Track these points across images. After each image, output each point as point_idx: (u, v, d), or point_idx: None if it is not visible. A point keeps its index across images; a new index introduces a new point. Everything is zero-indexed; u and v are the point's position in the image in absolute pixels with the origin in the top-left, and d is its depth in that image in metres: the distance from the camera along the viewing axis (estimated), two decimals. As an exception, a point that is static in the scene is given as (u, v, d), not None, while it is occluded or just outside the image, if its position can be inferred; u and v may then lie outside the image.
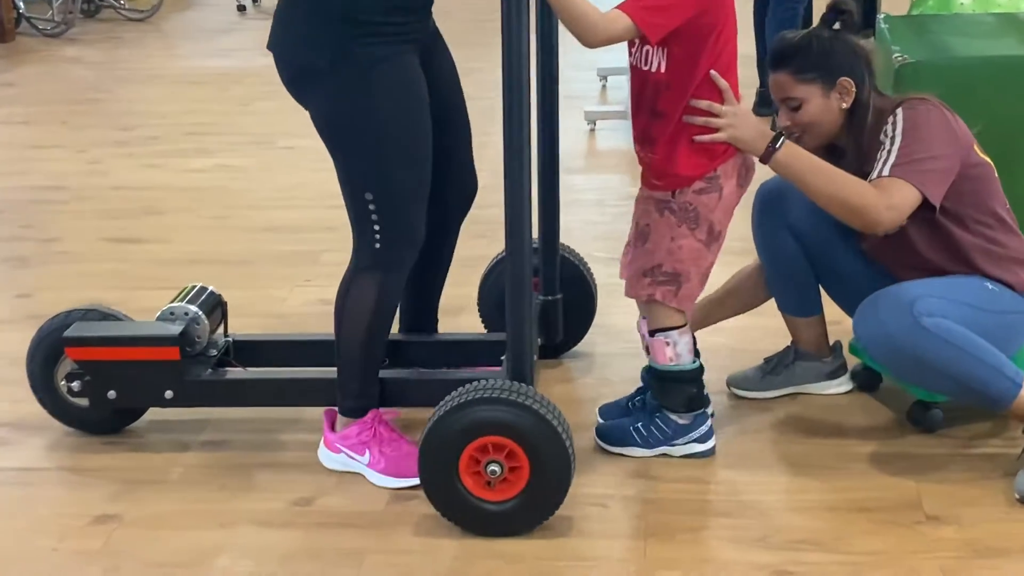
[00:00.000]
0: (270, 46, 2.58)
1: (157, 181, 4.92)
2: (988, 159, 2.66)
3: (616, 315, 3.23)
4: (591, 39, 2.40)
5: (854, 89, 2.59)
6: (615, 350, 3.18)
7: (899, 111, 2.57)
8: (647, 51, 2.50)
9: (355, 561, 2.41)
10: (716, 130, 2.52)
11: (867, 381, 2.99)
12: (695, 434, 2.70)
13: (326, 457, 2.72)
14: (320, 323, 3.05)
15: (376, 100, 2.46)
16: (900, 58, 3.68)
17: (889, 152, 2.53)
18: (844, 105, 2.60)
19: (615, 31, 2.40)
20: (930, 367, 2.51)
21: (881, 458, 2.71)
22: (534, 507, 2.44)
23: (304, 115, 2.59)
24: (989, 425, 2.81)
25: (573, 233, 3.97)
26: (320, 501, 2.62)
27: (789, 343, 3.00)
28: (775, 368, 2.97)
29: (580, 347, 3.23)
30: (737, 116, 2.53)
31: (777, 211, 2.85)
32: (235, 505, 2.62)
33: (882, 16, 4.28)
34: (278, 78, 2.58)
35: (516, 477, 2.40)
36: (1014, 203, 2.75)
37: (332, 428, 2.72)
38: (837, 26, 2.63)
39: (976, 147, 2.64)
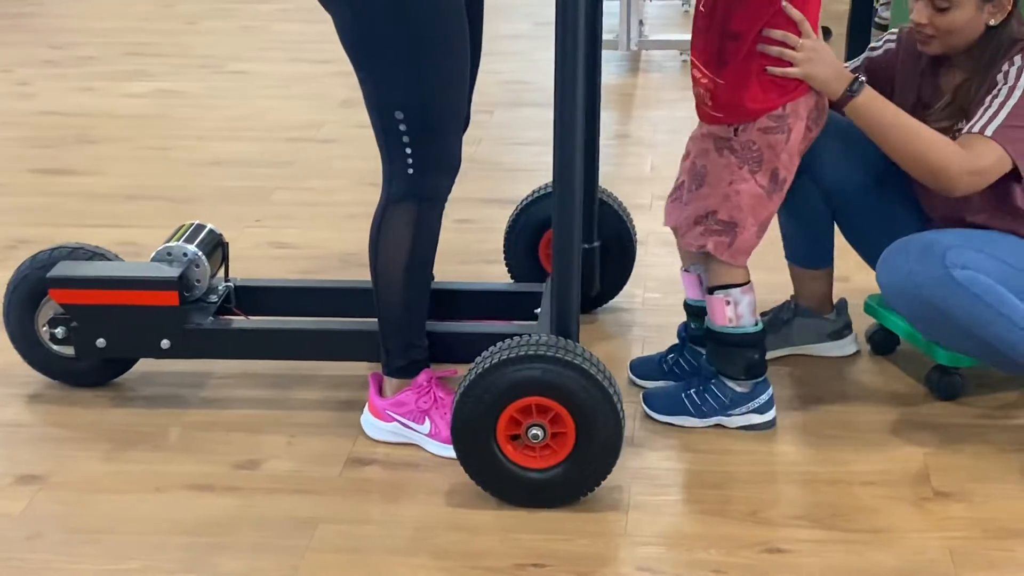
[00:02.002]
0: None
1: (91, 106, 4.88)
2: None
3: (656, 266, 3.20)
4: None
5: (1010, 6, 2.56)
6: (655, 304, 3.15)
7: None
8: None
9: (306, 531, 2.41)
10: (789, 64, 2.50)
11: (883, 344, 3.00)
12: (755, 403, 2.70)
13: (373, 426, 2.68)
14: (271, 268, 3.04)
15: (409, 7, 2.41)
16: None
17: (999, 108, 2.52)
18: (992, 22, 2.57)
19: None
20: (956, 323, 2.52)
21: (889, 427, 2.72)
22: (580, 476, 2.43)
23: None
24: (1014, 395, 2.83)
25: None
26: (268, 464, 2.62)
27: (788, 297, 3.01)
28: (771, 324, 2.96)
29: (617, 300, 3.22)
30: (816, 51, 2.50)
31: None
32: (173, 467, 2.61)
33: (902, -60, 4.25)
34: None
35: (560, 443, 2.40)
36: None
37: (379, 392, 2.69)
38: None
39: None
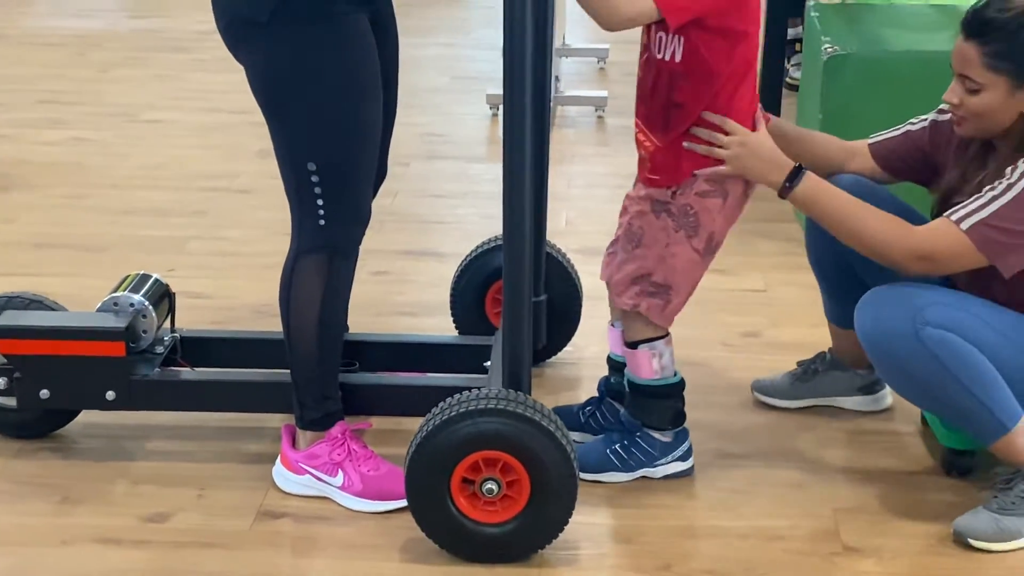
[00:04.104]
0: None
1: (3, 154, 4.80)
2: None
3: (598, 319, 3.19)
4: (612, 21, 2.42)
5: None
6: (599, 355, 3.12)
7: None
8: (661, 37, 2.48)
9: (214, 586, 2.36)
10: (720, 162, 2.50)
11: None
12: (679, 452, 2.70)
13: (285, 479, 2.64)
14: (184, 318, 2.99)
15: (321, 61, 2.41)
16: (830, 49, 3.74)
17: (988, 203, 2.42)
18: None
19: (636, 12, 2.40)
20: (915, 381, 2.49)
21: (800, 482, 2.74)
22: (535, 529, 2.41)
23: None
24: (922, 451, 2.85)
25: (468, 228, 3.97)
26: (177, 517, 2.58)
27: (826, 349, 3.00)
28: (803, 375, 2.98)
29: (563, 354, 3.21)
30: (745, 146, 2.50)
31: None
32: (80, 520, 2.56)
33: (812, 3, 4.34)
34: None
35: (515, 496, 2.38)
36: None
37: (292, 444, 2.65)
38: None
39: None
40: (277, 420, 2.80)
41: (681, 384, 2.69)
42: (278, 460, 2.66)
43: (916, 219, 2.58)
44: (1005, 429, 2.48)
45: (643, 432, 2.69)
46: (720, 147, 2.49)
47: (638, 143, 2.62)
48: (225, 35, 2.49)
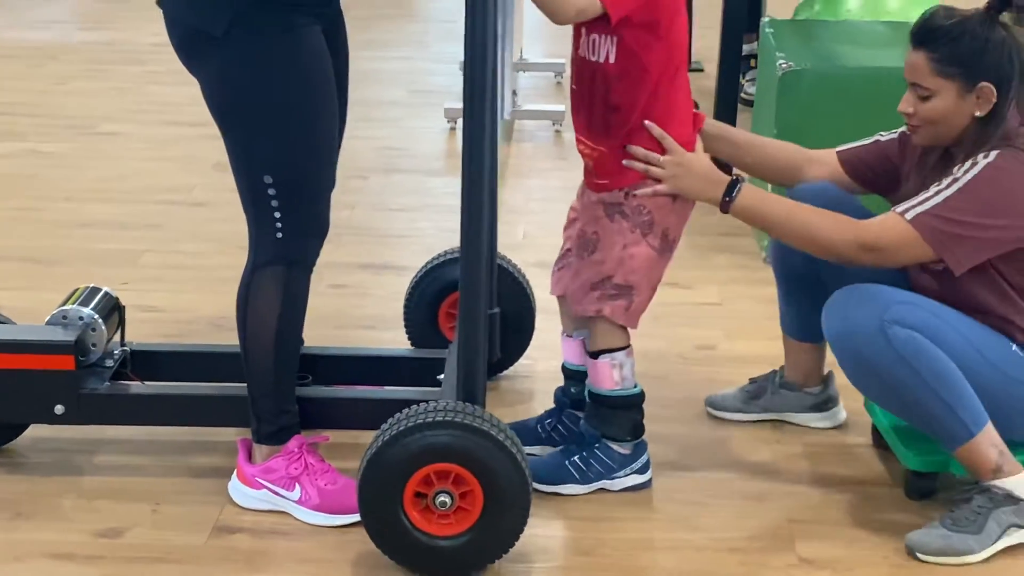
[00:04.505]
0: (160, 0, 2.49)
1: (-44, 166, 4.75)
2: None
3: (554, 332, 3.19)
4: (562, 15, 2.44)
5: (995, 99, 2.49)
6: (554, 369, 3.12)
7: (990, 156, 2.48)
8: (594, 40, 2.51)
9: (169, 601, 2.35)
10: (658, 181, 2.54)
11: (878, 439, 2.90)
12: (637, 464, 2.71)
13: (241, 493, 2.62)
14: (138, 331, 2.97)
15: (276, 74, 2.41)
16: (784, 65, 3.76)
17: (933, 195, 2.47)
18: (978, 113, 2.50)
19: (584, 4, 2.43)
20: (882, 382, 2.50)
21: (757, 494, 2.74)
22: (489, 542, 2.41)
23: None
24: (878, 465, 2.86)
25: (426, 241, 3.96)
26: (131, 533, 2.55)
27: (778, 368, 3.01)
28: (756, 392, 2.99)
29: (517, 367, 3.20)
30: (682, 166, 2.53)
31: None
32: (33, 535, 2.53)
33: (767, 20, 4.37)
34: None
35: (469, 507, 2.37)
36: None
37: (248, 459, 2.63)
38: (1003, 19, 2.53)
39: None
40: (231, 433, 2.78)
41: (641, 396, 2.69)
42: (234, 475, 2.64)
43: None
44: (970, 434, 2.49)
45: (602, 444, 2.69)
46: (658, 166, 2.53)
47: (581, 154, 2.64)
48: (179, 49, 2.48)
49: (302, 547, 2.52)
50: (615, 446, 2.69)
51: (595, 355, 2.66)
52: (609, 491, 2.70)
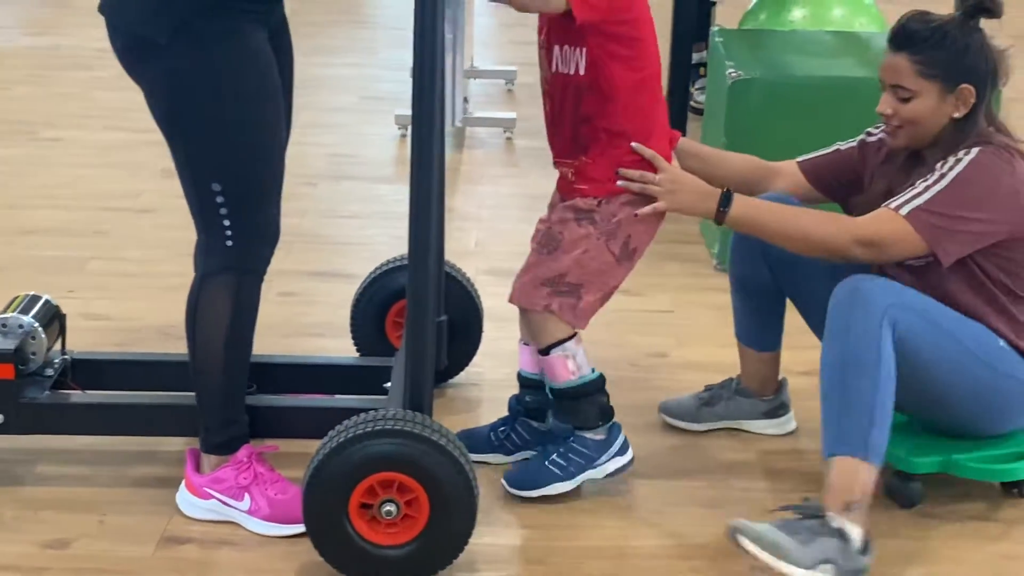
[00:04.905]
0: (101, 7, 2.46)
1: None
2: None
3: (503, 340, 3.19)
4: (530, 2, 2.45)
5: (973, 100, 2.56)
6: (503, 377, 3.12)
7: (972, 153, 2.54)
8: (566, 51, 2.53)
9: (116, 613, 2.32)
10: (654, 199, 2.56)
11: None
12: (615, 447, 2.71)
13: (190, 504, 2.59)
14: (83, 340, 2.94)
15: (222, 80, 2.39)
16: (734, 74, 3.78)
17: (923, 191, 2.52)
18: (956, 114, 2.57)
19: None
20: (844, 344, 2.46)
21: (710, 502, 2.75)
22: (437, 549, 2.40)
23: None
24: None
25: (376, 248, 3.94)
26: (78, 544, 2.52)
27: (734, 376, 3.01)
28: (710, 399, 3.00)
29: (466, 375, 3.19)
30: (675, 182, 2.57)
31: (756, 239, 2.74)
32: (-25, 548, 2.49)
33: (716, 29, 4.39)
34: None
35: (415, 515, 2.36)
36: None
37: (197, 468, 2.60)
38: (977, 22, 2.58)
39: None
40: (176, 443, 2.76)
41: (601, 379, 2.69)
42: (182, 485, 2.61)
43: None
44: (864, 455, 2.43)
45: (575, 435, 2.69)
46: (654, 185, 2.56)
47: (559, 167, 2.67)
48: (122, 56, 2.45)
49: (251, 557, 2.50)
50: (588, 435, 2.69)
51: (546, 351, 2.65)
52: (595, 480, 2.70)
